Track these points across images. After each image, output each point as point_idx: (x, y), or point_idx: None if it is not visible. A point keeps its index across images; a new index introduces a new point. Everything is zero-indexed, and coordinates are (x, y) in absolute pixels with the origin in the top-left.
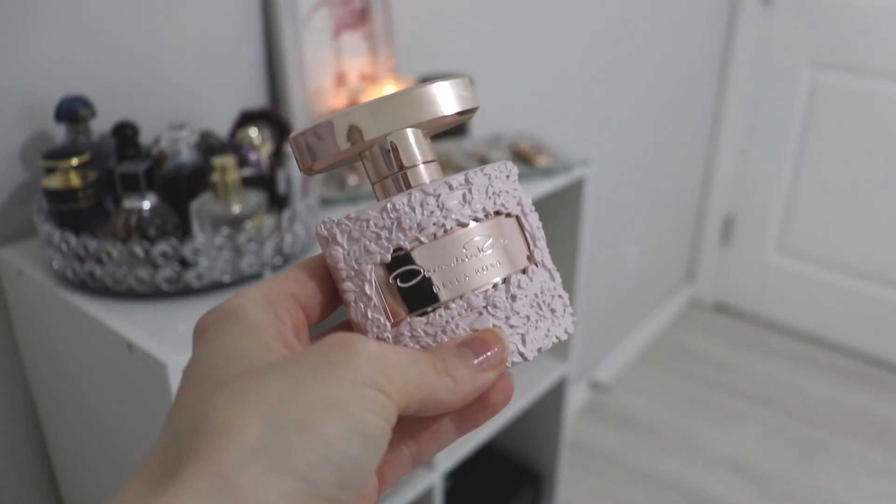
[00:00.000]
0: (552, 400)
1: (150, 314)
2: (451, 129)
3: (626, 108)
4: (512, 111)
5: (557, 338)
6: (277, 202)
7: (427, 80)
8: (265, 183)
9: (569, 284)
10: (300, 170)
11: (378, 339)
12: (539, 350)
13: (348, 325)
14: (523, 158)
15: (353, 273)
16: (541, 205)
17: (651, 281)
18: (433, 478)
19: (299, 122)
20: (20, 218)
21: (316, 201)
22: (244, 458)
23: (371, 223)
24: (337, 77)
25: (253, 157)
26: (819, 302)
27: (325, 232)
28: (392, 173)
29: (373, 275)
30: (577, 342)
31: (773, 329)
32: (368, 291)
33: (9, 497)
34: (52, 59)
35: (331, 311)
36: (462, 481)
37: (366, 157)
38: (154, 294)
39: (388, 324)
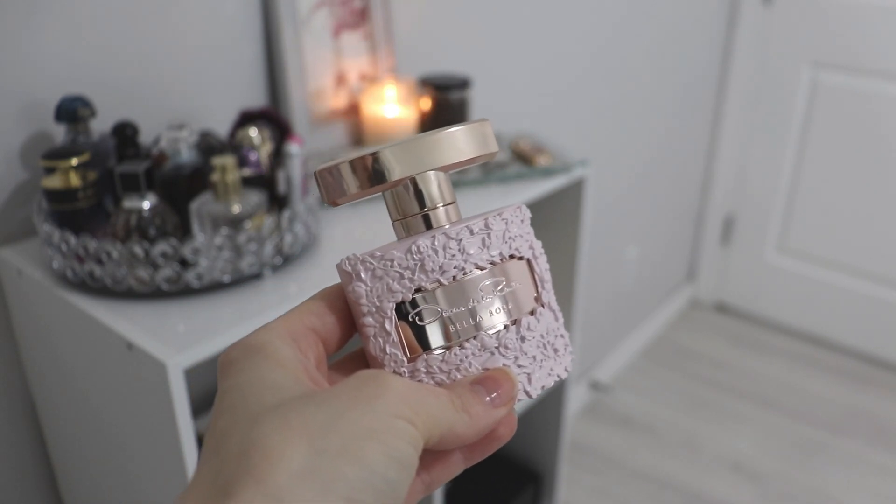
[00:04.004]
0: (552, 400)
1: (149, 314)
2: None
3: (627, 107)
4: (512, 111)
5: (559, 376)
6: (277, 202)
7: (449, 124)
8: (265, 183)
9: (569, 284)
10: (324, 202)
11: (395, 373)
12: (542, 388)
13: (362, 356)
14: (523, 158)
15: (374, 309)
16: (541, 205)
17: (651, 281)
18: None
19: (299, 122)
20: (20, 218)
21: (316, 201)
22: (294, 481)
23: (395, 263)
24: (337, 77)
25: (253, 157)
26: (819, 302)
27: (349, 268)
28: (414, 214)
29: (393, 312)
30: (577, 342)
31: (773, 329)
32: (388, 328)
33: (9, 497)
34: (52, 59)
35: (346, 342)
36: (462, 481)
37: (388, 195)
38: (154, 294)
39: (405, 359)
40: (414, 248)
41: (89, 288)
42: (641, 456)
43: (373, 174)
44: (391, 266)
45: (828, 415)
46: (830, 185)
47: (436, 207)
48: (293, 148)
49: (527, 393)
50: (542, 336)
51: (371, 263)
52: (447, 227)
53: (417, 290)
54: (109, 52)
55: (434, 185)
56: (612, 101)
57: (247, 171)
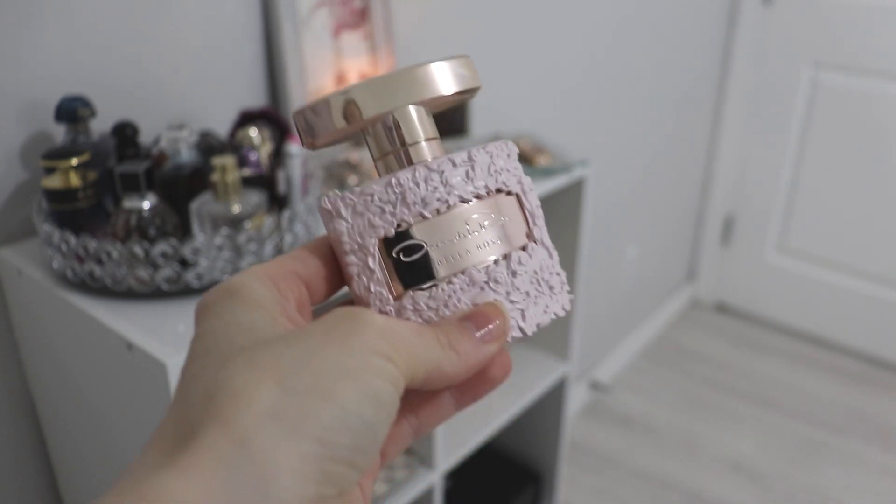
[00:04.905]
0: (552, 400)
1: (149, 314)
2: (452, 129)
3: (627, 108)
4: (512, 111)
5: (555, 314)
6: (277, 202)
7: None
8: (265, 183)
9: (569, 284)
10: (303, 145)
11: (381, 312)
12: (538, 325)
13: (350, 304)
14: (523, 158)
15: (356, 247)
16: (541, 205)
17: (651, 281)
18: (433, 478)
19: None
20: (20, 218)
21: (316, 201)
22: (262, 421)
23: (375, 197)
24: (337, 77)
25: (253, 157)
26: (819, 302)
27: (329, 206)
28: (394, 150)
29: (376, 249)
30: (576, 342)
31: (773, 329)
32: (371, 265)
33: (9, 497)
34: (52, 60)
35: (336, 290)
36: (462, 481)
37: (368, 134)
38: (154, 294)
39: (390, 297)
40: (394, 181)
41: (89, 288)
42: (641, 456)
43: (350, 111)
44: (371, 201)
45: (828, 415)
46: (830, 185)
47: (416, 143)
48: (293, 148)
49: (521, 329)
50: (535, 272)
51: (351, 199)
52: (429, 160)
53: (400, 225)
54: (109, 52)
55: (414, 119)
56: (612, 101)
57: (247, 171)
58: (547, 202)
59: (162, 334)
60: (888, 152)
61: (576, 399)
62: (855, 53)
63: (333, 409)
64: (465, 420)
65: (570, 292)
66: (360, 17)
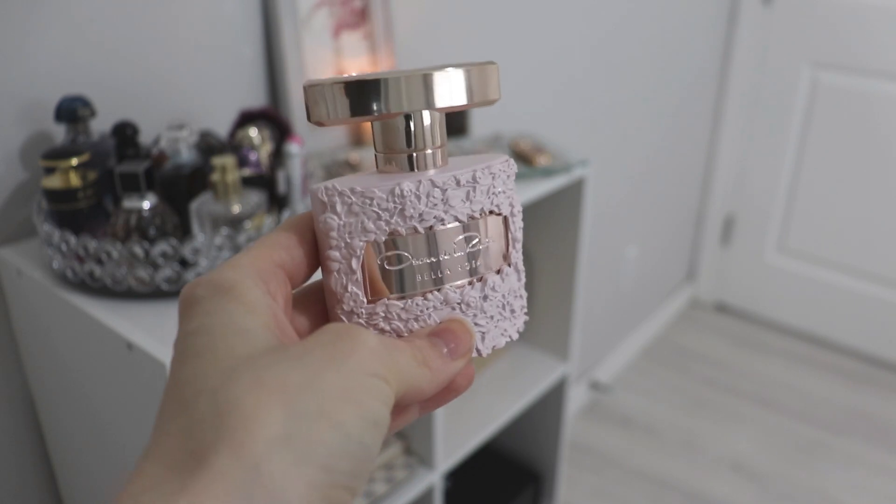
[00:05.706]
0: (552, 400)
1: (149, 314)
2: (451, 129)
3: (627, 108)
4: (512, 111)
5: (510, 337)
6: (277, 202)
7: (455, 64)
8: (265, 183)
9: (569, 284)
10: (309, 120)
11: (352, 312)
12: (493, 347)
13: (319, 291)
14: (523, 158)
15: (342, 244)
16: (541, 205)
17: (651, 281)
18: (433, 478)
19: (299, 121)
20: (20, 218)
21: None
22: (271, 447)
23: (374, 202)
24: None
25: (253, 157)
26: (819, 302)
27: (325, 198)
28: (401, 151)
29: (363, 251)
30: (576, 342)
31: (773, 329)
32: (354, 266)
33: (9, 497)
34: (52, 60)
35: (312, 275)
36: (462, 481)
37: (376, 125)
38: (154, 294)
39: (364, 300)
40: (398, 190)
41: (89, 288)
42: (641, 456)
43: (367, 102)
44: (370, 204)
45: (828, 415)
46: (830, 185)
47: (425, 149)
48: (293, 148)
49: (478, 351)
50: (503, 296)
51: (349, 198)
52: (433, 172)
53: (391, 234)
54: (109, 52)
55: (430, 125)
56: (612, 101)
57: (247, 171)
58: (547, 202)
59: (162, 334)
60: (888, 152)
61: (576, 399)
62: (855, 53)
63: (337, 435)
64: (465, 420)
65: (526, 313)
66: (360, 17)
